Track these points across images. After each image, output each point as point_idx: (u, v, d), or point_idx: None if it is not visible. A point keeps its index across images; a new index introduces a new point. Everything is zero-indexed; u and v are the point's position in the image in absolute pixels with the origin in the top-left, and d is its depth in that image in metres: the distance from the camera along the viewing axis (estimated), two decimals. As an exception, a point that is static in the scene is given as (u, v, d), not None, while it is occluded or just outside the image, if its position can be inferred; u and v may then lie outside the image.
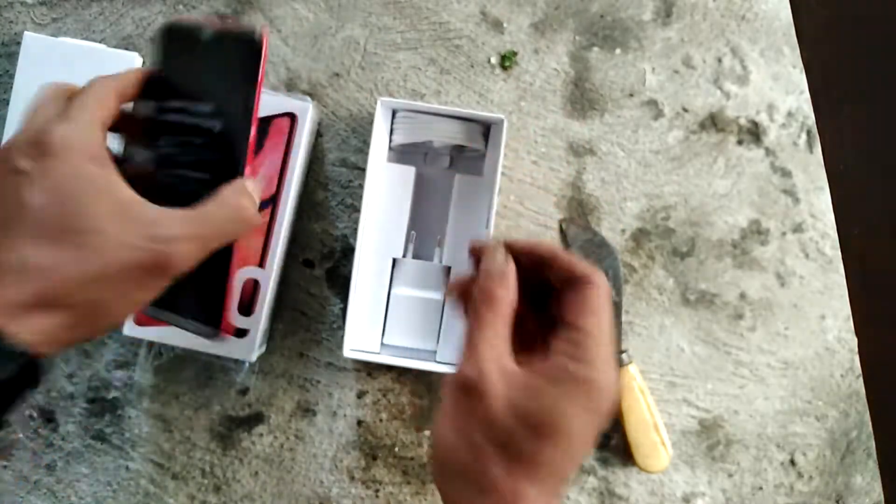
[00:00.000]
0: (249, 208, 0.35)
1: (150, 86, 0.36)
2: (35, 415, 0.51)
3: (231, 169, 0.35)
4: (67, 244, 0.30)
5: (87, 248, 0.30)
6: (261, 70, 0.36)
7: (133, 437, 0.51)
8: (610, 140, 0.53)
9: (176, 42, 0.36)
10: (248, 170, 0.36)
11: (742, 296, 0.53)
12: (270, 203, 0.49)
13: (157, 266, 0.31)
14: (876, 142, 0.55)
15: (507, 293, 0.32)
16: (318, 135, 0.53)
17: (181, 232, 0.32)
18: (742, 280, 0.53)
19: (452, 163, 0.52)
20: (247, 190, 0.35)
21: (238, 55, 0.36)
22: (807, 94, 0.54)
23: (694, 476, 0.52)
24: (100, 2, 0.53)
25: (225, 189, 0.34)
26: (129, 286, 0.31)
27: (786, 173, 0.53)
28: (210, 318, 0.38)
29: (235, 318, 0.48)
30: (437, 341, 0.49)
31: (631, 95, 0.53)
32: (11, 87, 0.49)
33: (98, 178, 0.31)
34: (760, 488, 0.52)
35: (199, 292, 0.37)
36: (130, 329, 0.48)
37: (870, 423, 0.53)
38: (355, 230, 0.50)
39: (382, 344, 0.50)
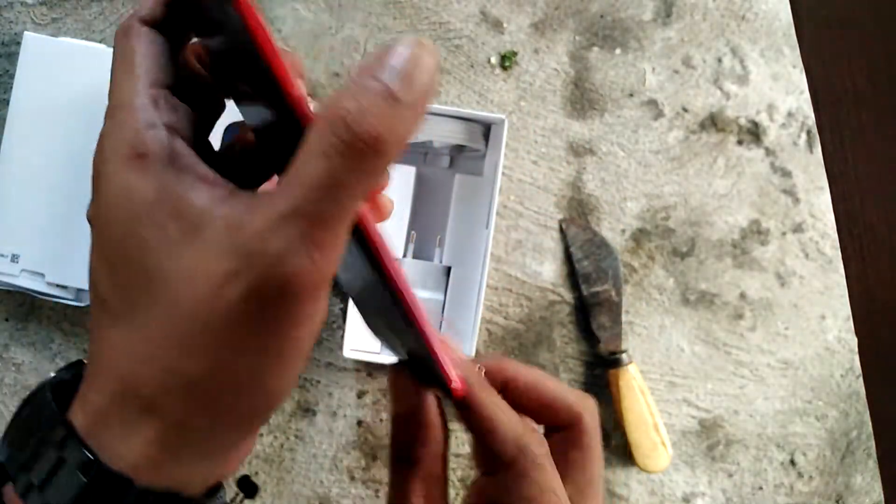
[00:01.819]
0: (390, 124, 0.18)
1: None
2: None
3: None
4: (126, 305, 0.20)
5: (153, 304, 0.20)
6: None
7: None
8: (610, 140, 0.53)
9: None
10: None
11: (742, 296, 0.53)
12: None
13: (269, 291, 0.19)
14: (876, 142, 0.55)
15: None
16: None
17: (282, 220, 0.18)
18: (742, 280, 0.53)
19: (452, 163, 0.52)
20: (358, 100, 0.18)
21: None
22: (807, 94, 0.54)
23: (694, 476, 0.52)
24: (100, 2, 0.53)
25: (316, 126, 0.18)
26: (244, 338, 0.19)
27: (786, 173, 0.53)
28: None
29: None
30: (437, 341, 0.49)
31: (631, 95, 0.53)
32: (11, 87, 0.49)
33: (141, 190, 0.20)
34: (760, 488, 0.52)
35: None
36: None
37: (870, 423, 0.53)
38: (355, 230, 0.50)
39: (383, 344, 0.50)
